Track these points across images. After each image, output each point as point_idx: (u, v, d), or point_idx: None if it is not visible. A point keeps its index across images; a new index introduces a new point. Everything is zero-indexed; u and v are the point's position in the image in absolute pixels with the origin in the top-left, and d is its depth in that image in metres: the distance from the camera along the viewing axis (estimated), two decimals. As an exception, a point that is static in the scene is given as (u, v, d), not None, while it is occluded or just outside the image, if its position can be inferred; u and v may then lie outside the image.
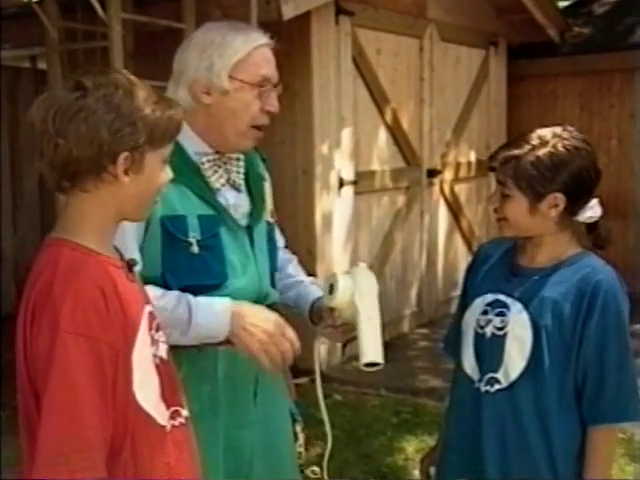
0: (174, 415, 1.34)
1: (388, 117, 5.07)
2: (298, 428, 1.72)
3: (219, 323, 1.53)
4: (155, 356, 1.31)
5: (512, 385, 1.63)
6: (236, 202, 1.69)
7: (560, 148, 1.61)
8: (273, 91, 1.67)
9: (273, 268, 1.77)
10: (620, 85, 6.23)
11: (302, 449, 1.51)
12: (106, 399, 1.20)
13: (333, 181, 4.62)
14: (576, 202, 1.64)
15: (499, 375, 1.65)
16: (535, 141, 1.62)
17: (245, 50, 1.62)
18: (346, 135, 4.69)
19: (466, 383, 1.71)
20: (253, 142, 1.71)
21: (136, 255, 1.51)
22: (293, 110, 4.30)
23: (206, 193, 1.64)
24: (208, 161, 1.65)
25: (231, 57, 1.62)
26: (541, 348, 1.61)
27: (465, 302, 1.79)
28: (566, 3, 7.71)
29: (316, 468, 1.43)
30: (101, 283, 1.22)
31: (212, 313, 1.53)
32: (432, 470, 1.86)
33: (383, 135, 5.09)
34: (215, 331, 1.53)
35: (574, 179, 1.61)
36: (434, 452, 1.89)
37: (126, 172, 1.25)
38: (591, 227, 1.69)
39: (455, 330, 1.83)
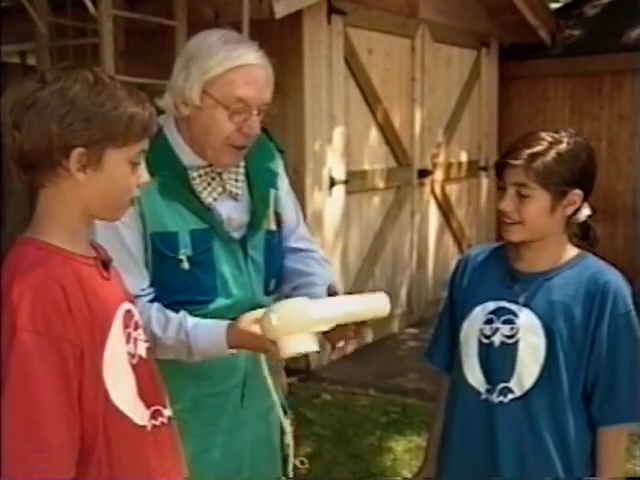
0: (155, 415, 1.33)
1: (379, 117, 5.07)
2: (287, 421, 1.72)
3: (218, 348, 1.54)
4: (132, 355, 1.29)
5: (527, 393, 1.61)
6: (231, 214, 1.66)
7: (574, 145, 1.61)
8: (252, 114, 1.57)
9: (271, 276, 1.73)
10: (610, 87, 6.26)
11: (291, 441, 1.50)
12: (71, 398, 1.18)
13: (324, 180, 4.62)
14: (586, 199, 1.64)
15: (512, 384, 1.62)
16: (549, 139, 1.60)
17: (222, 67, 1.54)
18: (337, 134, 4.68)
19: (471, 396, 1.67)
20: (234, 159, 1.63)
21: (138, 281, 1.55)
22: (284, 109, 4.29)
23: (198, 208, 1.61)
24: (199, 175, 1.62)
25: (207, 72, 1.54)
26: (555, 353, 1.59)
27: (455, 311, 1.75)
28: (557, 5, 7.74)
29: (304, 459, 1.42)
30: (62, 280, 1.19)
31: (210, 339, 1.54)
32: None
33: (374, 135, 5.09)
34: (217, 353, 1.56)
35: (587, 174, 1.63)
36: (424, 473, 1.82)
37: (83, 169, 1.23)
38: (581, 227, 1.68)
39: (444, 340, 1.79)
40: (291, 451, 1.65)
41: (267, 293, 1.73)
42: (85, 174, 1.23)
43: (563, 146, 1.59)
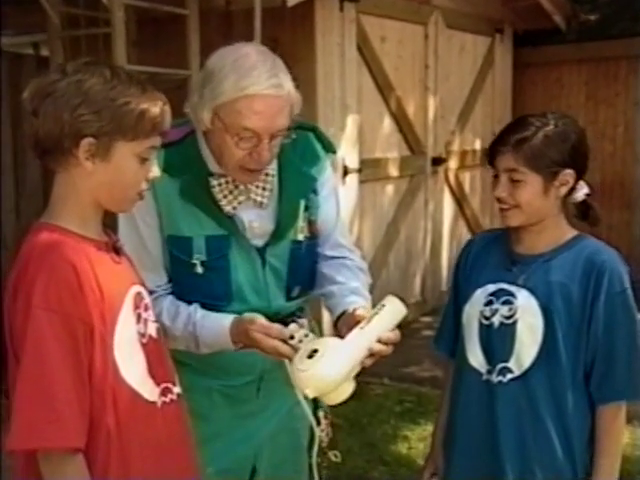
0: (164, 392, 1.39)
1: (392, 105, 5.04)
2: (321, 413, 1.72)
3: (224, 342, 1.55)
4: (143, 334, 1.36)
5: (526, 373, 1.63)
6: (253, 221, 1.64)
7: (561, 125, 1.63)
8: (262, 142, 1.52)
9: (295, 283, 1.70)
10: (626, 72, 6.19)
11: (323, 433, 1.49)
12: (82, 372, 1.24)
13: (337, 169, 4.60)
14: (579, 178, 1.66)
15: (511, 364, 1.64)
16: (536, 123, 1.63)
17: (231, 95, 1.49)
18: (350, 123, 4.66)
19: (473, 377, 1.69)
20: (250, 179, 1.60)
21: (154, 277, 1.56)
22: (297, 97, 4.27)
23: (217, 214, 1.60)
24: (219, 184, 1.60)
25: (217, 97, 1.51)
26: (553, 333, 1.61)
27: (459, 297, 1.77)
28: (572, -11, 7.64)
29: (337, 453, 1.43)
30: (75, 262, 1.26)
31: (216, 333, 1.55)
32: None
33: (387, 123, 5.07)
34: (223, 346, 1.56)
35: (579, 153, 1.65)
36: (431, 461, 1.85)
37: (92, 158, 1.29)
38: (580, 207, 1.70)
39: (449, 326, 1.81)
40: (315, 442, 1.63)
41: (289, 299, 1.71)
42: (93, 163, 1.30)
43: (550, 128, 1.62)
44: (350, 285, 1.67)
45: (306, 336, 1.45)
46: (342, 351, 1.39)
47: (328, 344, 1.40)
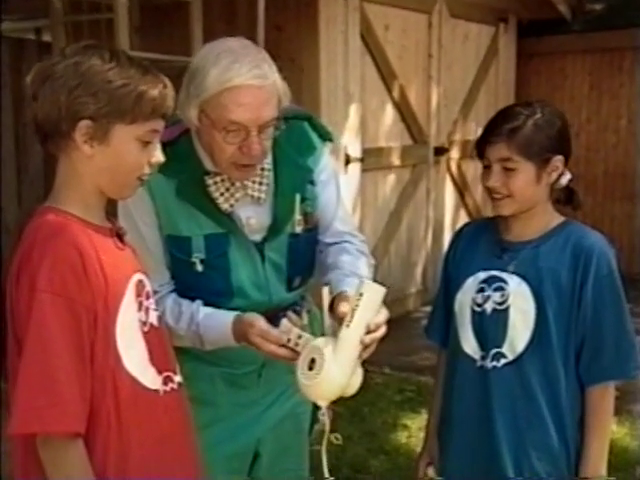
0: (166, 380, 1.38)
1: (395, 94, 5.02)
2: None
3: (227, 340, 1.57)
4: (144, 323, 1.35)
5: (519, 357, 1.65)
6: (251, 217, 1.63)
7: (547, 113, 1.67)
8: (251, 135, 1.50)
9: (295, 274, 1.70)
10: (631, 63, 6.16)
11: (325, 417, 1.50)
12: (84, 357, 1.24)
13: (339, 158, 4.59)
14: (566, 164, 1.69)
15: (504, 349, 1.66)
16: (524, 112, 1.65)
17: (214, 89, 1.48)
18: (353, 111, 4.65)
19: (467, 364, 1.71)
20: (243, 175, 1.58)
21: (156, 277, 1.54)
22: (300, 85, 4.24)
23: (214, 213, 1.60)
24: (215, 183, 1.59)
25: (201, 93, 1.50)
26: (545, 317, 1.64)
27: (450, 286, 1.79)
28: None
29: (338, 435, 1.43)
30: (80, 247, 1.25)
31: (219, 332, 1.57)
32: (430, 471, 1.84)
33: (390, 112, 5.05)
34: (226, 344, 1.58)
35: (565, 139, 1.69)
36: (427, 451, 1.86)
37: (90, 141, 1.28)
38: (564, 192, 1.74)
39: (440, 315, 1.84)
40: (325, 432, 1.63)
41: (290, 289, 1.71)
42: (92, 147, 1.28)
43: (538, 116, 1.65)
44: (347, 269, 1.66)
45: (299, 337, 1.44)
46: (338, 356, 1.39)
47: (323, 352, 1.39)
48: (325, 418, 1.42)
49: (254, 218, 1.64)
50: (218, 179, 1.59)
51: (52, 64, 1.27)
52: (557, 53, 6.39)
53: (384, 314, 1.46)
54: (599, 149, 6.18)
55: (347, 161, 4.63)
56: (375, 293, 1.42)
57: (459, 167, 5.79)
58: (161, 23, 4.29)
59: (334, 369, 1.38)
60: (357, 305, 1.40)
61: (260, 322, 1.50)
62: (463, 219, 5.93)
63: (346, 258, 1.69)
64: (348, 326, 1.40)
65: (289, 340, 1.45)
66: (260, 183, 1.63)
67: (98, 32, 3.74)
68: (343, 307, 1.46)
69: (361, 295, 1.40)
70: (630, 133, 6.19)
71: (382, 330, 1.46)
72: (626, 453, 3.12)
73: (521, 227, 1.70)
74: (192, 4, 3.79)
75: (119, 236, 1.37)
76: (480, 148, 1.68)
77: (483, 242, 1.76)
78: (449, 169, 5.67)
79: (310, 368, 1.39)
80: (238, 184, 1.60)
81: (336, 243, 1.74)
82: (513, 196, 1.65)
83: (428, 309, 5.33)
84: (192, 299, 1.62)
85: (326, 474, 1.44)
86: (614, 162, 6.21)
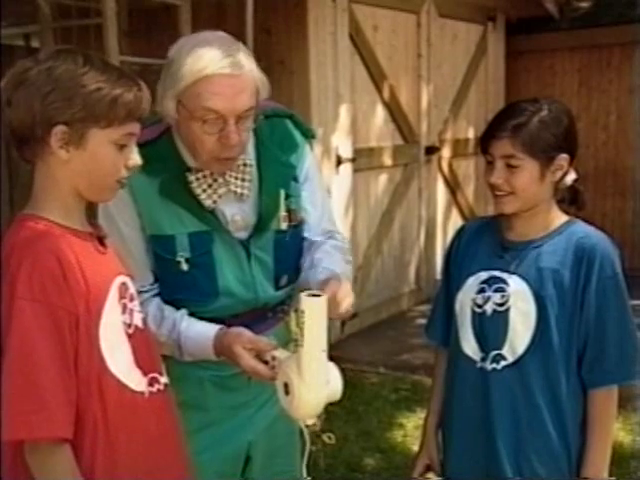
0: (152, 382, 1.38)
1: (386, 94, 5.03)
2: None
3: (207, 354, 1.56)
4: (129, 325, 1.35)
5: (519, 359, 1.63)
6: (235, 215, 1.63)
7: (554, 110, 1.64)
8: (228, 124, 1.49)
9: (282, 272, 1.70)
10: (619, 60, 6.19)
11: (307, 437, 1.50)
12: (67, 362, 1.23)
13: (331, 158, 4.60)
14: (572, 163, 1.66)
15: (504, 351, 1.64)
16: (530, 108, 1.63)
17: (189, 79, 1.48)
18: (344, 112, 4.66)
19: (467, 365, 1.69)
20: (224, 168, 1.57)
21: (138, 278, 1.51)
22: (290, 87, 4.26)
23: (198, 211, 1.59)
24: (197, 179, 1.58)
25: (176, 84, 1.50)
26: (546, 319, 1.61)
27: (450, 285, 1.77)
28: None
29: (331, 435, 1.43)
30: (58, 252, 1.25)
31: (199, 344, 1.56)
32: (431, 474, 1.82)
33: (381, 112, 5.06)
34: (205, 357, 1.57)
35: (571, 137, 1.66)
36: (425, 451, 1.84)
37: (66, 146, 1.27)
38: (569, 191, 1.71)
39: (440, 314, 1.81)
40: (317, 427, 1.63)
41: (278, 288, 1.71)
42: (67, 152, 1.28)
43: (544, 113, 1.62)
44: (319, 268, 1.64)
45: (273, 359, 1.44)
46: (304, 377, 1.37)
47: (290, 377, 1.38)
48: (307, 437, 1.42)
49: (239, 215, 1.63)
50: (200, 175, 1.58)
51: (25, 69, 1.26)
52: (546, 50, 6.42)
53: (344, 304, 1.46)
54: (589, 145, 6.20)
55: (339, 162, 4.64)
56: (316, 305, 1.38)
57: (450, 166, 5.80)
58: (150, 27, 4.29)
59: (304, 392, 1.37)
60: (302, 322, 1.37)
61: (248, 332, 1.50)
62: (455, 217, 5.95)
63: (324, 255, 1.68)
64: (302, 346, 1.37)
65: (267, 362, 1.45)
66: (243, 179, 1.62)
67: (87, 37, 3.74)
68: (292, 327, 1.41)
69: (303, 312, 1.37)
70: (620, 129, 6.22)
71: (342, 312, 1.46)
72: (620, 447, 3.14)
73: (523, 226, 1.67)
74: (181, 8, 3.79)
75: (100, 240, 1.37)
76: (484, 144, 1.65)
77: (485, 241, 1.73)
78: (440, 168, 5.69)
79: (286, 392, 1.39)
80: (221, 180, 1.59)
81: (320, 240, 1.74)
82: (516, 193, 1.62)
83: (422, 308, 5.40)
84: (179, 300, 1.61)
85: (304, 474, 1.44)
86: (604, 158, 6.24)
